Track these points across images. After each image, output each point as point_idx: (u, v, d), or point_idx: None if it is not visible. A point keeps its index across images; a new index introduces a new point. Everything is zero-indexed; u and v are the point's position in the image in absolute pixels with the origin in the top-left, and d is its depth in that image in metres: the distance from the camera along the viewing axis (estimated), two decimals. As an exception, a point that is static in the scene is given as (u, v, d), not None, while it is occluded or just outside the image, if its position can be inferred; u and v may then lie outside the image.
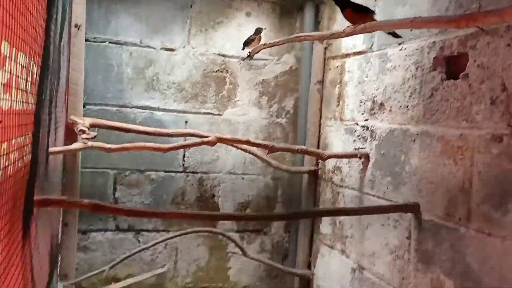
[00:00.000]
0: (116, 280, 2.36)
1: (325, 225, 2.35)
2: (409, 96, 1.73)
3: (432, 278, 1.56)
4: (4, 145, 0.86)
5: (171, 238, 2.24)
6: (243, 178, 2.56)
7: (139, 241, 2.41)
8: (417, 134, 1.67)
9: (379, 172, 1.91)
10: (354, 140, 2.11)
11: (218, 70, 2.49)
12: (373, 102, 1.97)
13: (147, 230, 2.42)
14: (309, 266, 2.48)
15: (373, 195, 1.94)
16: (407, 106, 1.73)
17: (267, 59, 2.54)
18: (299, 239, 2.51)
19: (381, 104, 1.90)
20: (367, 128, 2.01)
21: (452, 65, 1.53)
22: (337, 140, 2.29)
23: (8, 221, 0.91)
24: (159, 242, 2.23)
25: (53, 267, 1.91)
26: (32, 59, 1.01)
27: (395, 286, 1.75)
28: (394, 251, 1.77)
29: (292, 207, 2.59)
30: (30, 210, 1.20)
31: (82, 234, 2.34)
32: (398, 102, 1.79)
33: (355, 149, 2.07)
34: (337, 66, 2.33)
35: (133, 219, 2.40)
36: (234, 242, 2.31)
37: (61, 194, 2.00)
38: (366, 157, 1.99)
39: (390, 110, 1.84)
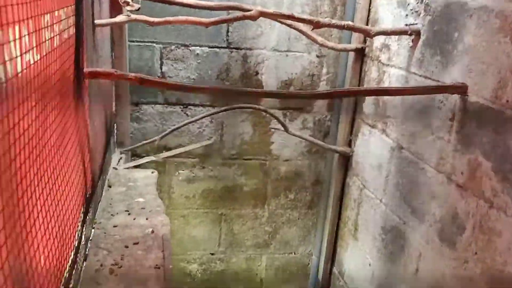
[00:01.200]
0: (167, 149, 2.55)
1: (368, 105, 2.35)
2: (472, -35, 1.55)
3: (470, 159, 1.57)
4: (47, 17, 0.89)
5: (217, 113, 2.33)
6: (287, 55, 2.53)
7: (186, 115, 2.53)
8: (475, 8, 1.54)
9: (428, 51, 1.82)
10: (406, 15, 1.98)
11: None
12: (432, -28, 1.79)
13: (193, 105, 2.52)
14: (349, 144, 2.54)
15: (420, 75, 1.88)
16: (469, -23, 1.57)
17: None
18: (341, 118, 2.53)
19: (440, -25, 1.73)
20: (422, 1, 1.86)
21: None
22: (387, 14, 2.15)
23: (59, 91, 0.98)
24: (206, 116, 2.33)
25: (109, 135, 2.08)
26: None
27: (432, 165, 1.78)
28: (435, 132, 1.76)
29: (336, 86, 2.57)
30: (81, 81, 1.28)
31: (134, 106, 2.47)
32: (459, -28, 1.62)
33: (406, 25, 1.95)
34: None
35: (180, 94, 2.49)
36: (277, 119, 2.38)
37: (111, 67, 2.08)
38: (417, 34, 1.88)
39: (449, -18, 1.68)
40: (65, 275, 1.05)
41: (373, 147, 2.29)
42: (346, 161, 2.57)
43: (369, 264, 2.29)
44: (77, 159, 1.22)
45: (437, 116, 1.75)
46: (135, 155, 2.51)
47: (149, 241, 1.49)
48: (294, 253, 2.94)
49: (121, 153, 2.31)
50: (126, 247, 1.45)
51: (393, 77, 2.11)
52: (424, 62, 1.85)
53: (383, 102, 2.19)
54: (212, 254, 2.86)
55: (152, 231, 1.55)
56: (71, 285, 1.14)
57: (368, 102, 2.35)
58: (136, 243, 1.47)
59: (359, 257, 2.42)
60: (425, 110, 1.83)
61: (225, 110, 2.34)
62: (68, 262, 1.10)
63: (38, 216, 0.79)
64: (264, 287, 2.99)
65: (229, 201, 2.75)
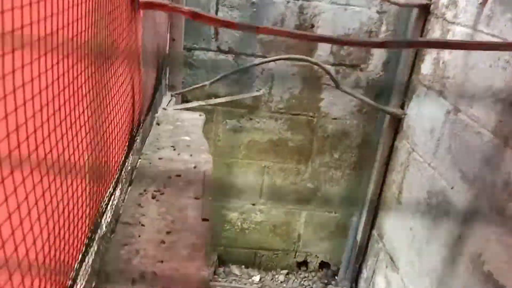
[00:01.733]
0: (217, 97, 2.58)
1: (427, 65, 2.23)
2: None
3: (531, 122, 1.46)
4: None
5: (267, 62, 2.31)
6: (345, 9, 2.43)
7: (237, 64, 2.53)
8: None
9: (499, 8, 1.69)
10: (479, -32, 1.83)
11: None
12: None
13: (245, 54, 2.51)
14: (402, 107, 2.45)
15: (487, 33, 1.76)
16: None
17: None
18: (396, 78, 2.43)
19: None
20: (498, -49, 1.71)
21: None
22: (459, -32, 2.01)
23: (114, 18, 1.00)
24: (256, 65, 2.31)
25: (160, 75, 2.12)
26: None
27: (489, 129, 1.68)
28: (496, 93, 1.66)
29: (395, 44, 2.46)
30: (136, 11, 1.30)
31: (187, 51, 2.50)
32: None
33: (478, -22, 1.81)
34: None
35: (233, 42, 2.49)
36: (328, 73, 2.32)
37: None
38: (489, -12, 1.74)
39: None
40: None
41: (427, 110, 2.19)
42: (396, 123, 2.48)
43: (410, 228, 2.25)
44: (128, 91, 1.26)
45: (501, 78, 1.64)
46: (185, 101, 2.56)
47: (191, 175, 1.53)
48: (335, 213, 2.93)
49: (172, 96, 2.37)
50: (169, 177, 1.50)
51: (457, 36, 1.98)
52: (493, 20, 1.73)
53: (443, 62, 2.08)
54: (253, 204, 2.91)
55: (195, 167, 1.59)
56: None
57: (427, 62, 2.23)
58: (179, 175, 1.52)
59: (400, 220, 2.38)
60: (488, 70, 1.71)
61: (276, 60, 2.31)
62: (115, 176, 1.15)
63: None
64: (302, 242, 3.02)
65: (273, 154, 2.76)
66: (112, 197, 1.24)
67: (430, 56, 2.21)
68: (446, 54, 2.05)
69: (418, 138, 2.25)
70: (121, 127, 1.15)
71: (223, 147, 2.74)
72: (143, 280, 1.03)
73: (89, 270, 0.97)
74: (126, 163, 1.33)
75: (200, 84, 2.33)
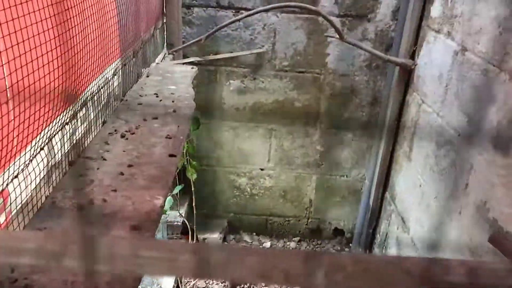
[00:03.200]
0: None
1: (436, 7, 2.06)
2: None
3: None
4: None
5: (266, 10, 2.21)
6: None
7: (238, 20, 2.44)
8: None
9: None
10: None
11: None
12: None
13: (246, 9, 2.42)
14: (412, 57, 2.29)
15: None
16: None
17: None
18: (405, 26, 2.27)
19: None
20: None
21: None
22: None
23: None
24: (255, 13, 2.20)
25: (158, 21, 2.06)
26: None
27: (496, 63, 1.52)
28: (502, 23, 1.49)
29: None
30: None
31: (187, 8, 2.43)
32: None
33: None
34: None
35: (233, -2, 2.40)
36: (331, 23, 2.19)
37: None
38: None
39: None
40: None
41: (435, 56, 2.03)
42: (407, 76, 2.32)
43: (420, 185, 2.11)
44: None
45: (507, 5, 1.47)
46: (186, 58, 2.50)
47: (168, 118, 1.47)
48: (346, 176, 2.81)
49: (169, 53, 2.31)
50: (145, 120, 1.45)
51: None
52: None
53: (451, 1, 1.91)
54: (262, 169, 2.83)
55: (174, 111, 1.53)
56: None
57: (437, 4, 2.06)
58: (155, 118, 1.46)
59: (411, 178, 2.24)
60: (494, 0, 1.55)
61: (275, 8, 2.21)
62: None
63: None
64: (313, 208, 2.93)
65: (279, 116, 2.67)
66: (76, 132, 1.20)
67: (439, -2, 2.04)
68: (454, -9, 1.88)
69: (428, 88, 2.09)
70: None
71: (228, 109, 2.67)
72: (90, 207, 0.98)
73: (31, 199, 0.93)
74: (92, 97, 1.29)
75: (196, 39, 2.26)
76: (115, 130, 1.35)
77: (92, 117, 1.31)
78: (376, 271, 0.25)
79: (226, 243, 2.92)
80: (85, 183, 1.07)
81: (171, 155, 1.24)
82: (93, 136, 1.31)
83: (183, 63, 2.17)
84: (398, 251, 2.36)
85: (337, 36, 2.25)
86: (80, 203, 0.99)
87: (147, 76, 1.88)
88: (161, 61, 2.13)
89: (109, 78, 1.42)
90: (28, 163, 0.93)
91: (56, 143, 1.06)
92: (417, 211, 2.12)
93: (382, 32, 2.42)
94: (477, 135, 1.61)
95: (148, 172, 1.14)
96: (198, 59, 2.31)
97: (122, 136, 1.32)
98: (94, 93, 1.28)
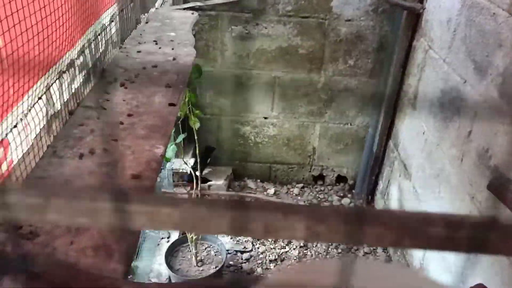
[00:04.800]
0: None
1: None
2: None
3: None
4: None
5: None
6: None
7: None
8: None
9: None
10: None
11: None
12: None
13: (248, -50, 2.31)
14: (421, 1, 2.20)
15: None
16: None
17: None
18: (414, -33, 2.17)
19: None
20: None
21: None
22: None
23: None
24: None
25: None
26: None
27: (505, 7, 1.46)
28: (517, -38, 1.42)
29: None
30: None
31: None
32: None
33: None
34: None
35: None
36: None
37: None
38: None
39: None
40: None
41: (444, 0, 1.95)
42: (415, 20, 2.25)
43: (423, 132, 2.10)
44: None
45: None
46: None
47: (167, 66, 1.45)
48: (350, 124, 2.80)
49: (169, -1, 2.24)
50: (144, 68, 1.43)
51: None
52: None
53: None
54: (265, 118, 2.83)
55: (174, 59, 1.50)
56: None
57: None
58: (155, 66, 1.44)
59: (414, 126, 2.23)
60: None
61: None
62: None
63: None
64: (317, 156, 2.95)
65: (283, 63, 2.62)
66: (74, 81, 1.19)
67: None
68: None
69: (435, 33, 2.03)
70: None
71: (230, 56, 2.62)
72: (91, 156, 0.99)
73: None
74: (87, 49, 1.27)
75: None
76: (115, 79, 1.34)
77: (90, 65, 1.29)
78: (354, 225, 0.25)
79: (230, 189, 2.97)
80: (85, 132, 1.07)
81: (170, 104, 1.23)
82: (92, 85, 1.30)
83: (183, 9, 2.11)
84: (399, 198, 2.39)
85: (343, -22, 2.16)
86: (80, 152, 0.99)
87: (146, 22, 1.84)
88: (161, 6, 2.07)
89: (106, 25, 1.39)
90: (27, 113, 0.93)
91: (55, 92, 1.05)
92: (419, 158, 2.13)
93: (390, -26, 2.31)
94: (483, 82, 1.58)
95: (147, 121, 1.14)
96: (199, 3, 2.23)
97: (122, 85, 1.31)
98: (91, 40, 1.26)
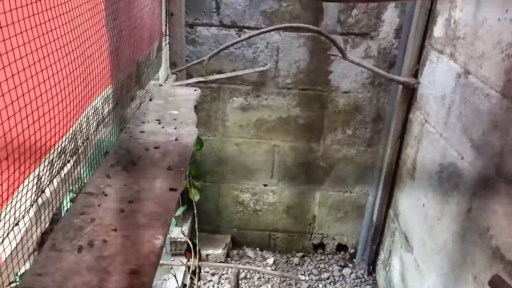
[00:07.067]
0: (222, 73, 2.50)
1: (439, 27, 2.05)
2: None
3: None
4: None
5: (269, 31, 2.21)
6: (352, -26, 2.28)
7: (241, 41, 2.44)
8: None
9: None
10: None
11: None
12: None
13: (248, 28, 2.42)
14: (415, 76, 2.28)
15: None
16: None
17: None
18: (408, 44, 2.26)
19: None
20: None
21: None
22: None
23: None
24: (258, 34, 2.21)
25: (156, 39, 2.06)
26: None
27: (498, 90, 1.51)
28: (505, 49, 1.48)
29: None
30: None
31: (189, 27, 2.44)
32: None
33: None
34: None
35: (235, 16, 2.40)
36: (333, 42, 2.19)
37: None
38: None
39: None
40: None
41: (438, 76, 2.02)
42: (410, 94, 2.32)
43: (423, 205, 2.10)
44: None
45: (508, 31, 1.46)
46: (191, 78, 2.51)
47: (169, 147, 1.48)
48: (350, 192, 2.80)
49: (172, 73, 2.32)
50: (146, 149, 1.45)
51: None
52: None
53: (454, 22, 1.90)
54: (265, 185, 2.83)
55: (176, 139, 1.53)
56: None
57: (439, 24, 2.06)
58: (157, 147, 1.46)
59: (414, 198, 2.23)
60: (497, 24, 1.54)
61: (278, 29, 2.21)
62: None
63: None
64: (317, 224, 2.92)
65: (282, 132, 2.67)
66: (77, 169, 1.20)
67: (442, 18, 2.03)
68: (457, 12, 1.88)
69: (431, 107, 2.09)
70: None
71: (231, 126, 2.67)
72: (90, 248, 0.99)
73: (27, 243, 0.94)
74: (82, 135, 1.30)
75: (199, 60, 2.27)
76: (117, 162, 1.36)
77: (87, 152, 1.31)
78: None
79: (229, 258, 2.92)
80: (85, 222, 1.07)
81: (171, 189, 1.24)
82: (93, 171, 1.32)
83: (186, 84, 2.18)
84: (401, 271, 2.34)
85: (340, 54, 2.25)
86: (80, 245, 0.99)
87: (150, 100, 1.89)
88: (165, 81, 2.14)
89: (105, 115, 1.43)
90: (19, 220, 0.94)
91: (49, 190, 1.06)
92: (421, 232, 2.11)
93: (385, 50, 2.41)
94: (480, 160, 1.60)
95: (148, 207, 1.15)
96: (201, 79, 2.31)
97: (124, 169, 1.32)
98: (86, 130, 1.29)
